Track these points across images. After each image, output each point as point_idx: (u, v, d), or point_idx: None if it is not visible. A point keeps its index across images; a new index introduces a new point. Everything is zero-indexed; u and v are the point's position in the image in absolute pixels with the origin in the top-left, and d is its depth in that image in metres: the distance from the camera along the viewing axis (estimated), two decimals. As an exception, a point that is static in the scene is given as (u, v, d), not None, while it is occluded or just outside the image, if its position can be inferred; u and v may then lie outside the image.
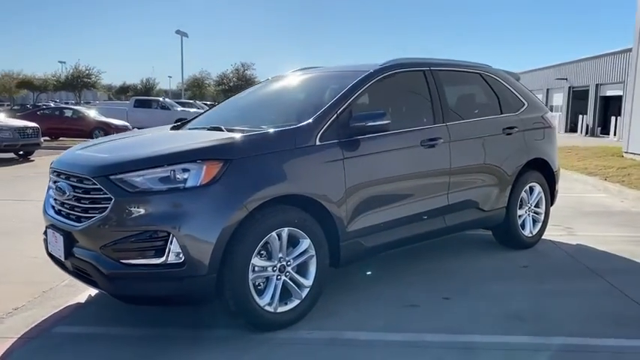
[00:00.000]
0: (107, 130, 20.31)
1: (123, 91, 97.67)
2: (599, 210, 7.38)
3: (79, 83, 53.54)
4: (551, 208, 5.51)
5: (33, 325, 3.43)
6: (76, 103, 43.81)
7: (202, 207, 3.03)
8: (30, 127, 15.25)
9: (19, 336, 3.27)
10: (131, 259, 3.02)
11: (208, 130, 3.91)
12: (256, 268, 3.22)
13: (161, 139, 3.96)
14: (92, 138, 18.39)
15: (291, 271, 3.39)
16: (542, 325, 3.43)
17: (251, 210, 3.12)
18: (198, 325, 3.44)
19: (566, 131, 32.91)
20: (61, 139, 20.65)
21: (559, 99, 35.94)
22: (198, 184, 3.04)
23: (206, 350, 3.09)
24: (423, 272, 4.50)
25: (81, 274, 3.26)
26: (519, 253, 5.05)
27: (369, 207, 3.77)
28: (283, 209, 3.32)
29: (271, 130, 3.53)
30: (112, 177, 3.08)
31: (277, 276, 3.33)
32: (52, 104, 35.22)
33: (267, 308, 3.27)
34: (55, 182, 3.52)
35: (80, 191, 3.24)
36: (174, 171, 3.06)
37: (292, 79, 4.77)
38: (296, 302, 3.42)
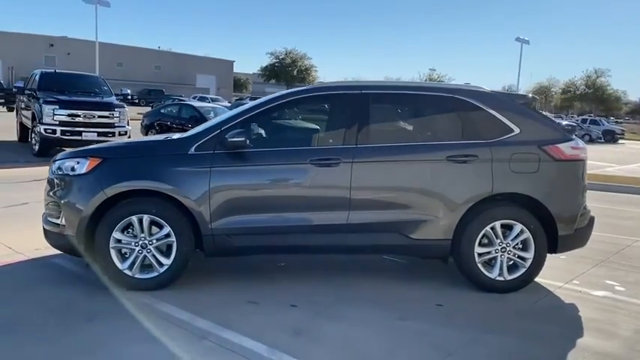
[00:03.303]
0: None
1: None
2: None
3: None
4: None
5: (47, 254, 5.30)
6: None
7: (77, 188, 4.37)
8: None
9: (33, 257, 5.18)
10: (51, 219, 4.57)
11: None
12: (123, 240, 4.35)
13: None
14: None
15: (153, 249, 4.37)
16: (302, 346, 3.53)
17: (110, 195, 4.28)
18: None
19: None
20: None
21: None
22: (81, 173, 4.38)
23: (76, 286, 4.40)
24: (318, 281, 4.73)
25: None
26: (466, 293, 4.60)
27: (237, 211, 4.38)
28: (143, 200, 4.34)
29: (154, 139, 4.57)
30: (53, 162, 4.68)
31: (139, 250, 4.37)
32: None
33: (127, 272, 4.36)
34: None
35: None
36: (75, 162, 4.47)
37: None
38: (155, 274, 4.39)
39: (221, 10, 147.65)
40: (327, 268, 5.15)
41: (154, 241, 4.37)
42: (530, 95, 5.02)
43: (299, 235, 4.46)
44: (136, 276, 4.37)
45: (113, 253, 4.33)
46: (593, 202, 10.05)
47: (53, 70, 14.70)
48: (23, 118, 14.55)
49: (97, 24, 36.21)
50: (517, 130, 4.65)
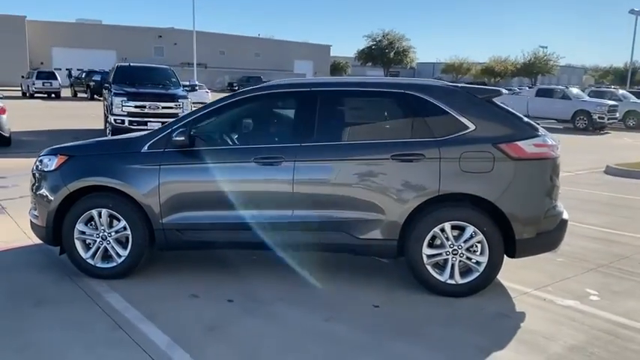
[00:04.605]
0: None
1: (604, 76, 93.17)
2: None
3: (534, 69, 55.32)
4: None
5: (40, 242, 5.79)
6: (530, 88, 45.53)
7: (46, 183, 4.77)
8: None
9: (39, 243, 5.70)
10: (34, 211, 5.03)
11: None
12: (86, 232, 4.71)
13: None
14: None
15: (112, 241, 4.69)
16: (205, 342, 3.67)
17: (72, 190, 4.64)
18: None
19: None
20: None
21: None
22: (50, 169, 4.78)
23: (54, 272, 4.82)
24: (270, 277, 4.80)
25: None
26: (414, 296, 4.45)
27: (186, 207, 4.57)
28: (102, 195, 4.66)
29: (117, 138, 4.86)
30: (38, 157, 5.13)
31: (100, 242, 4.71)
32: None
33: (89, 261, 4.72)
34: None
35: None
36: (48, 159, 4.88)
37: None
38: (114, 264, 4.71)
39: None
40: (290, 264, 5.18)
41: (113, 234, 4.68)
42: (496, 89, 4.70)
43: (246, 231, 4.56)
44: (97, 265, 4.72)
45: (78, 243, 4.71)
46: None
47: (128, 64, 15.78)
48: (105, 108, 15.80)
49: (195, 15, 38.15)
50: (472, 127, 4.39)
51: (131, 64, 16.08)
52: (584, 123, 24.58)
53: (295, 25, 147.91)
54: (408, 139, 4.43)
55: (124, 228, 4.65)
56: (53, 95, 34.20)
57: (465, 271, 4.46)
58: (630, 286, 4.82)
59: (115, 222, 4.68)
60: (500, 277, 4.82)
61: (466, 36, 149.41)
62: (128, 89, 13.75)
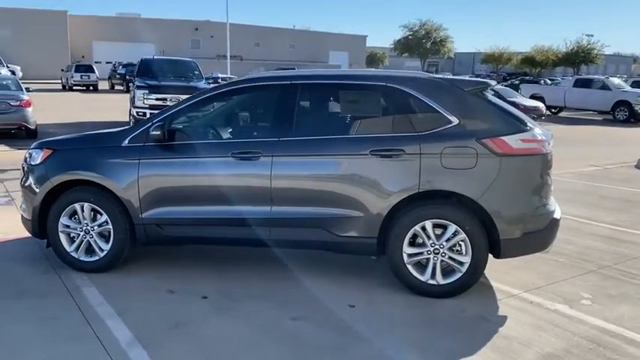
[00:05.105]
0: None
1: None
2: None
3: (577, 58, 53.48)
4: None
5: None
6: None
7: (32, 177, 4.82)
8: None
9: (28, 236, 5.78)
10: (23, 205, 5.10)
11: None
12: (70, 226, 4.74)
13: None
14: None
15: (94, 235, 4.71)
16: (166, 340, 3.62)
17: (55, 184, 4.67)
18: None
19: None
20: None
21: None
22: (36, 163, 4.82)
23: (43, 265, 4.88)
24: (251, 274, 4.72)
25: None
26: (395, 296, 4.31)
27: (165, 202, 4.53)
28: (84, 189, 4.67)
29: (99, 132, 4.86)
30: (27, 152, 5.20)
31: (83, 235, 4.73)
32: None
33: (73, 254, 4.75)
34: None
35: None
36: (35, 152, 4.92)
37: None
38: (96, 258, 4.73)
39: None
40: (269, 260, 5.09)
41: (95, 228, 4.69)
42: (483, 81, 4.47)
43: (224, 227, 4.50)
44: (80, 258, 4.74)
45: (62, 236, 4.74)
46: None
47: (152, 57, 15.97)
48: (131, 101, 16.04)
49: (230, 7, 38.46)
50: (455, 122, 4.20)
51: (155, 57, 16.28)
52: (625, 114, 23.61)
53: (331, 16, 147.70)
54: (387, 134, 4.27)
55: (106, 222, 4.65)
56: (91, 88, 35.03)
57: (448, 271, 4.29)
58: (627, 290, 4.54)
59: (97, 216, 4.69)
60: (491, 277, 4.66)
61: (507, 25, 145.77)
62: (150, 82, 13.90)
